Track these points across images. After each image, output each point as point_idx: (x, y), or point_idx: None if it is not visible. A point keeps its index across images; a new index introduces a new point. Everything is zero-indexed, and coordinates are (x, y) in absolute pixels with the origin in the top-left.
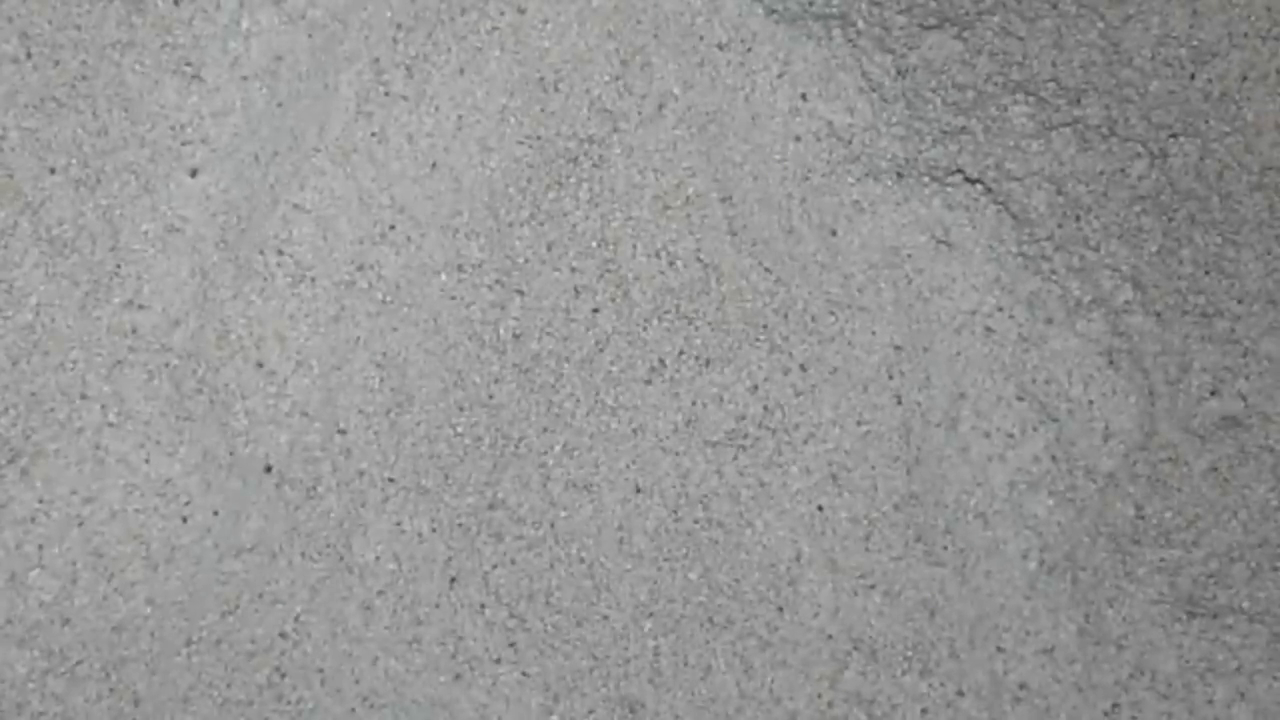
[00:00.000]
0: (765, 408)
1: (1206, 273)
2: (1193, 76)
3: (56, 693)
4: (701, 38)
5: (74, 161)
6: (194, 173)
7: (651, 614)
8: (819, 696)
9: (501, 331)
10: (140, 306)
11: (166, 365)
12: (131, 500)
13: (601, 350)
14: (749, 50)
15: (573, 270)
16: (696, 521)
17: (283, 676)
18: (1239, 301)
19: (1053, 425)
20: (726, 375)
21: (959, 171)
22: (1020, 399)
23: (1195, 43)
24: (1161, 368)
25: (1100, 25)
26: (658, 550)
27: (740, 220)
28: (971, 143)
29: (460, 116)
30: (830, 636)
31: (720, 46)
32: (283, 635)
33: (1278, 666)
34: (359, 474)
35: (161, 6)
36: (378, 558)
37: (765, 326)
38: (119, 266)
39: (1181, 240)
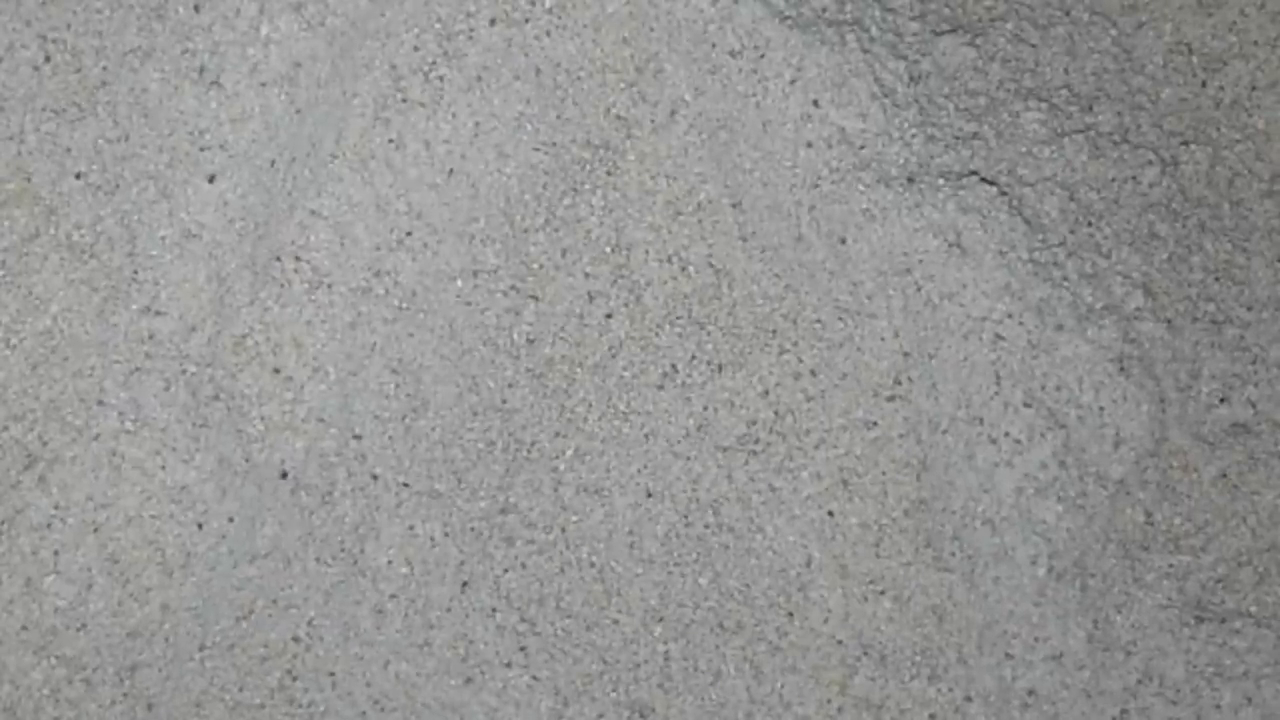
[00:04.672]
0: (776, 413)
1: (1217, 280)
2: (1204, 84)
3: (71, 698)
4: (714, 45)
5: (93, 167)
6: (212, 179)
7: (662, 619)
8: (828, 702)
9: (515, 337)
10: (157, 313)
11: (183, 371)
12: (147, 506)
13: (614, 355)
14: (761, 57)
15: (586, 276)
16: (707, 526)
17: (295, 680)
18: (1249, 309)
19: (1061, 432)
20: (738, 380)
21: (973, 174)
22: (1028, 405)
23: (1207, 50)
24: (1172, 374)
25: (1113, 33)
26: (668, 555)
27: (750, 226)
28: (984, 149)
29: (477, 124)
30: (840, 642)
31: (733, 53)
32: (295, 639)
33: None
34: (373, 479)
35: (182, 13)
36: (390, 562)
37: (775, 332)
38: (136, 272)
39: (1192, 247)
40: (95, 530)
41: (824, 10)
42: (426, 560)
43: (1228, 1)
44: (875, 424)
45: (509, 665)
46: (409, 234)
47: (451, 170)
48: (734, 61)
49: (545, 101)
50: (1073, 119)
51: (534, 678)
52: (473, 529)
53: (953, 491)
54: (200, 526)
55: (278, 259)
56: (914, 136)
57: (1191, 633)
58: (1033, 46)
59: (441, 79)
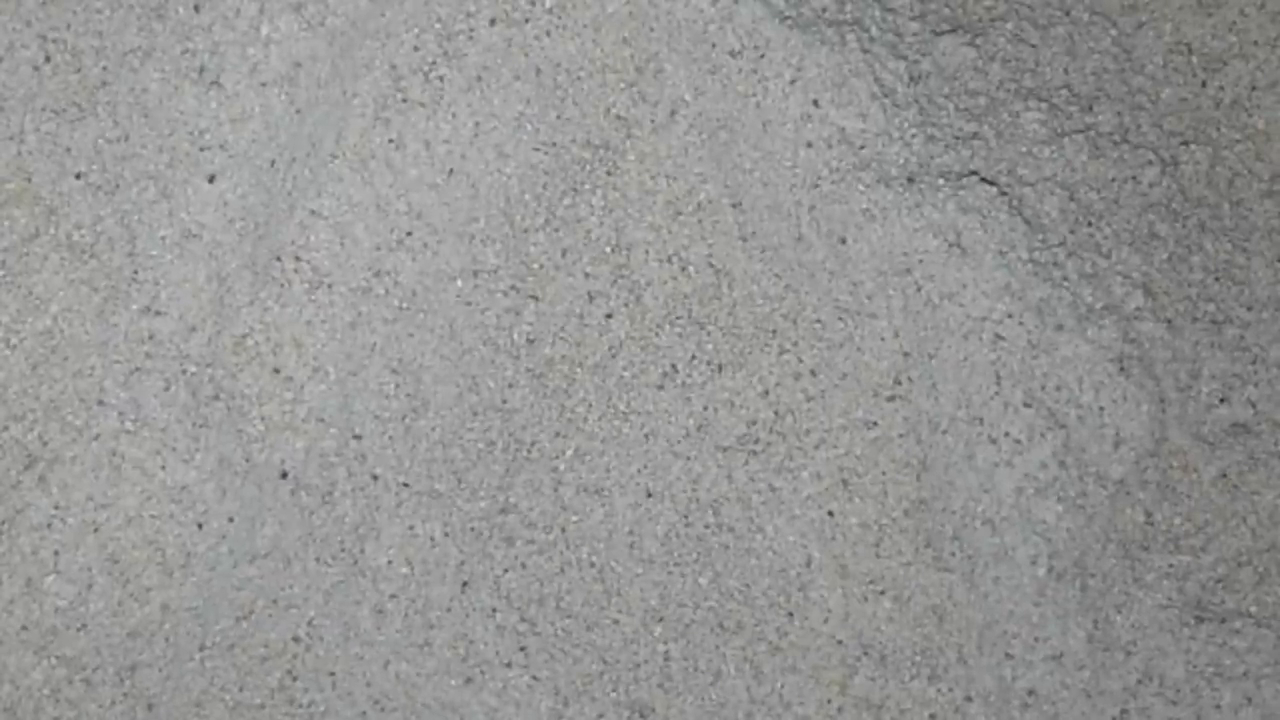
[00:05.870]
0: (776, 413)
1: (1217, 280)
2: (1204, 84)
3: (71, 698)
4: (714, 45)
5: (93, 167)
6: (212, 179)
7: (662, 619)
8: (828, 702)
9: (516, 337)
10: (157, 313)
11: (183, 371)
12: (147, 507)
13: (614, 355)
14: (761, 57)
15: (586, 276)
16: (707, 526)
17: (295, 680)
18: (1249, 309)
19: (1061, 432)
20: (738, 380)
21: (973, 174)
22: (1028, 405)
23: (1206, 50)
24: (1172, 374)
25: (1113, 33)
26: (668, 555)
27: (750, 226)
28: (984, 149)
29: (477, 124)
30: (840, 642)
31: (733, 53)
32: (295, 639)
33: None
34: (373, 479)
35: (182, 13)
36: (390, 562)
37: (775, 332)
38: (136, 272)
39: (1192, 247)
40: (95, 530)
41: (824, 10)
42: (426, 560)
43: (1228, 1)
44: (875, 424)
45: (509, 665)
46: (409, 234)
47: (451, 170)
48: (734, 61)
49: (545, 101)
50: (1073, 119)
51: (534, 678)
52: (473, 529)
53: (953, 491)
54: (200, 526)
55: (278, 259)
56: (914, 136)
57: (1191, 633)
58: (1033, 46)
59: (441, 79)
